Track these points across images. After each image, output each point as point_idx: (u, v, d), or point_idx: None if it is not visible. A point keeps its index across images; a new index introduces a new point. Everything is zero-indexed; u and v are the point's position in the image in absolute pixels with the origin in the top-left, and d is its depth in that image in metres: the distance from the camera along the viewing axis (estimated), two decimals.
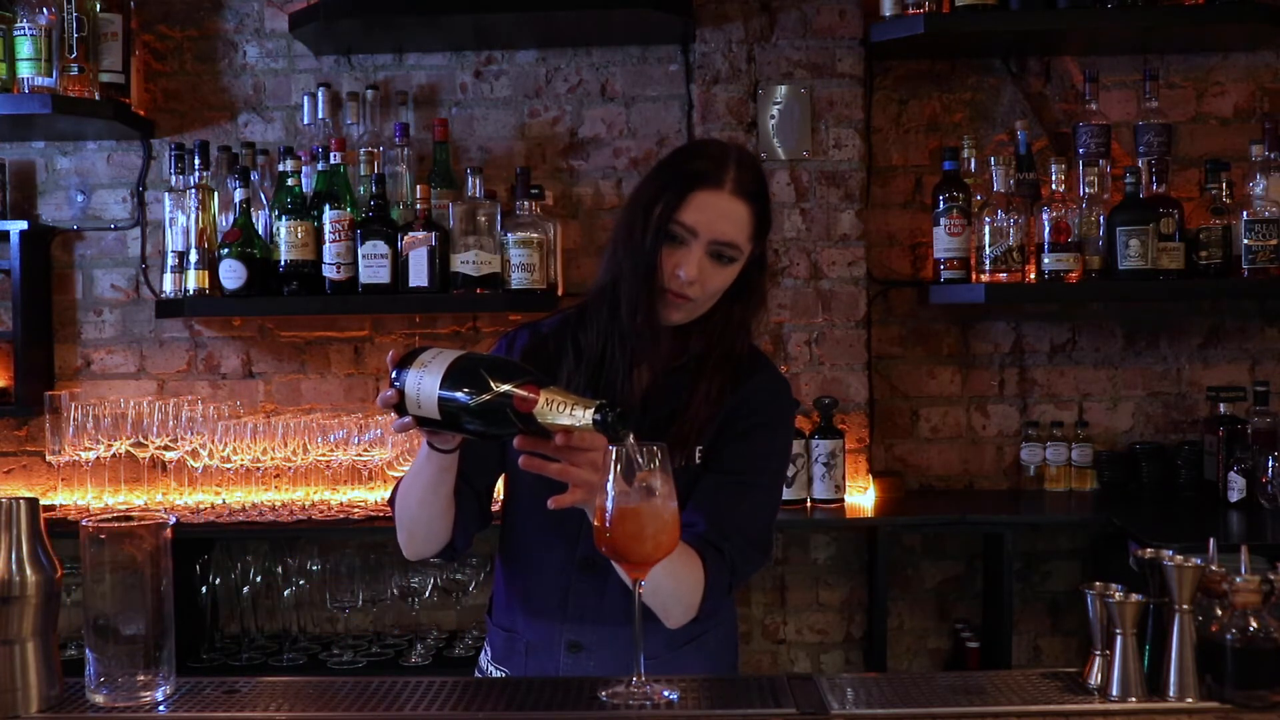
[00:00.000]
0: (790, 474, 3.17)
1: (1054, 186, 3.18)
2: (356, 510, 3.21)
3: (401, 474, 3.13)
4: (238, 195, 3.20)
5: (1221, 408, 3.26)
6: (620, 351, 1.77)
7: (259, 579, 3.24)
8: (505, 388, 1.45)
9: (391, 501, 1.85)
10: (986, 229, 3.17)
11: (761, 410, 1.82)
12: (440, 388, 1.49)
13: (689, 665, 1.80)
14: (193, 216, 3.24)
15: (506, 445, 1.81)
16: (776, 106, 3.32)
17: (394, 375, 1.54)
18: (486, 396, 1.46)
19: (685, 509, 1.63)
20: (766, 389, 1.85)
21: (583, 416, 1.43)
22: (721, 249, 1.73)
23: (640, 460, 1.44)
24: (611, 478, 1.45)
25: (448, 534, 1.80)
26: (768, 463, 1.84)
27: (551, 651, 1.83)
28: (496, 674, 1.88)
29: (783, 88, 3.33)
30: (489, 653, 1.93)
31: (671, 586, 1.65)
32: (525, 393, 1.44)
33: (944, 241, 3.23)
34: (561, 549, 1.81)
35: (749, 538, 1.76)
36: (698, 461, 1.78)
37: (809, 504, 3.22)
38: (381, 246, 3.16)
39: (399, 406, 1.54)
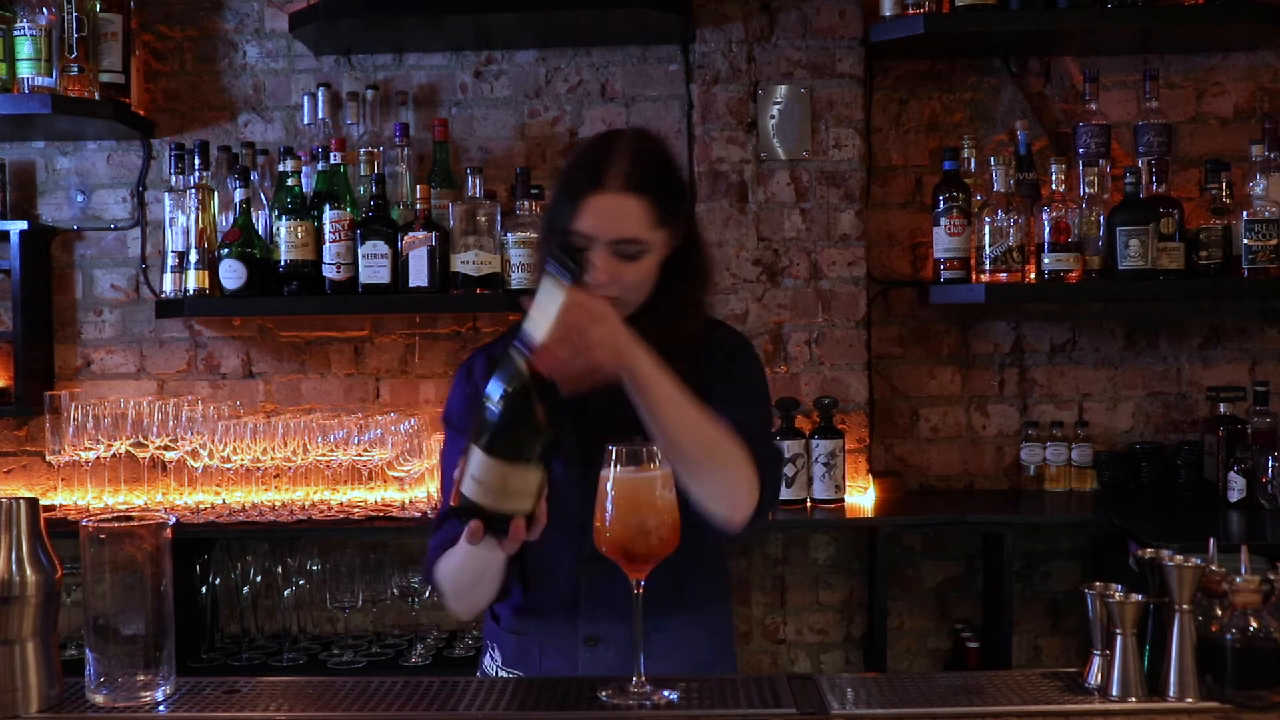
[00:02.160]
0: (790, 474, 3.17)
1: (1054, 186, 3.18)
2: (356, 510, 3.21)
3: (402, 474, 3.16)
4: (238, 195, 3.20)
5: (1221, 408, 3.26)
6: None
7: (259, 579, 3.24)
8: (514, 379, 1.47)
9: (429, 574, 1.84)
10: (986, 229, 3.17)
11: (729, 355, 1.86)
12: (485, 449, 1.46)
13: (678, 653, 1.79)
14: (193, 216, 3.24)
15: None
16: (776, 106, 3.32)
17: (454, 498, 1.52)
18: (512, 393, 1.47)
19: None
20: (726, 339, 1.89)
21: (547, 286, 1.52)
22: (623, 246, 1.73)
23: (639, 459, 1.45)
24: (611, 477, 1.45)
25: (500, 583, 1.79)
26: (757, 388, 1.88)
27: (569, 648, 1.82)
28: (511, 676, 1.86)
29: (783, 88, 3.33)
30: (497, 658, 1.90)
31: (722, 446, 1.67)
32: (521, 354, 1.48)
33: (944, 241, 3.23)
34: (568, 547, 1.81)
35: (770, 442, 1.80)
36: None
37: (809, 504, 3.22)
38: (381, 246, 3.16)
39: (473, 514, 1.50)
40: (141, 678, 1.44)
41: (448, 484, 1.87)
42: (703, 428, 1.66)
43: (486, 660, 1.94)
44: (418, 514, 3.16)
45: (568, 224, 1.73)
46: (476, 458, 1.47)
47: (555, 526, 1.78)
